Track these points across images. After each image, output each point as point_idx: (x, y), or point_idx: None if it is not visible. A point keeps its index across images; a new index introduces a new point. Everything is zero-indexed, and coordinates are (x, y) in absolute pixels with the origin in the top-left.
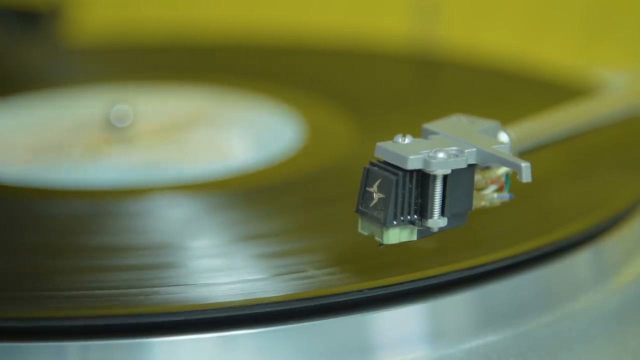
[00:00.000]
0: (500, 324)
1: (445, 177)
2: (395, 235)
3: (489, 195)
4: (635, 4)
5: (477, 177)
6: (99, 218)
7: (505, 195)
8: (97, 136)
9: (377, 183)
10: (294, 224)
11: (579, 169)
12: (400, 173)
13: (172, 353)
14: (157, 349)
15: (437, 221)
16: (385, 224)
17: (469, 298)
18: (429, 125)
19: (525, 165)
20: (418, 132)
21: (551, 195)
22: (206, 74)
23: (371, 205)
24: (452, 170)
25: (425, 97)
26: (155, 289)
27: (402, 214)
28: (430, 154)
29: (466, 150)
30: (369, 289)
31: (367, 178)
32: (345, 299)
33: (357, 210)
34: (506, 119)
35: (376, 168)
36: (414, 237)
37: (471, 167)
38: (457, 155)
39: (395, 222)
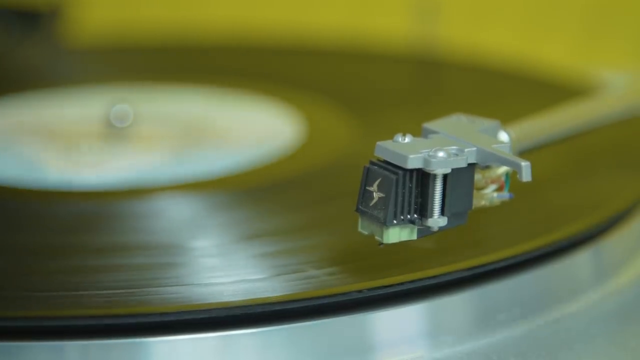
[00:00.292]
0: (500, 324)
1: (445, 177)
2: (395, 234)
3: (489, 194)
4: (635, 4)
5: (477, 176)
6: (98, 218)
7: (505, 195)
8: (97, 136)
9: (377, 182)
10: (293, 223)
11: (579, 169)
12: (400, 172)
13: (172, 353)
14: (157, 349)
15: (437, 220)
16: (385, 223)
17: (468, 298)
18: (429, 125)
19: (525, 164)
20: (418, 132)
21: (551, 195)
22: (206, 74)
23: (371, 204)
24: (452, 170)
25: (425, 97)
26: (154, 288)
27: (402, 213)
28: (430, 153)
29: (466, 150)
30: (368, 289)
31: (367, 177)
32: (345, 299)
33: (357, 210)
34: (506, 119)
35: (376, 167)
36: (414, 237)
37: (471, 167)
38: (457, 155)
39: (395, 221)
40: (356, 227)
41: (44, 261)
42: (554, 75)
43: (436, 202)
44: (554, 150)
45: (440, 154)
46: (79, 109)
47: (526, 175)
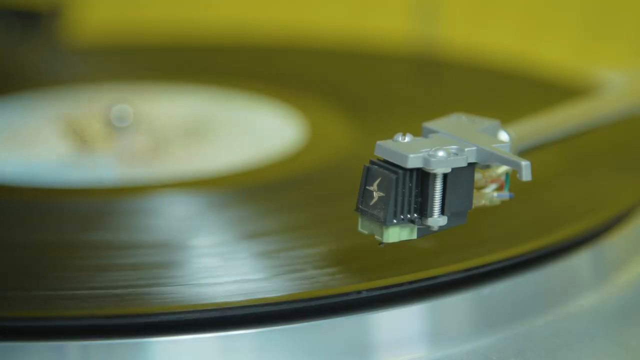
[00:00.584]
0: (500, 325)
1: (445, 176)
2: (395, 233)
3: (489, 194)
4: (635, 4)
5: (477, 175)
6: (98, 217)
7: (505, 194)
8: (97, 136)
9: (377, 182)
10: (293, 223)
11: (579, 169)
12: (400, 172)
13: (172, 353)
14: (157, 349)
15: (437, 220)
16: (385, 223)
17: (468, 299)
18: (429, 124)
19: (525, 163)
20: (418, 131)
21: (551, 196)
22: (206, 74)
23: (371, 203)
24: (452, 169)
25: (426, 97)
26: (154, 288)
27: (402, 213)
28: (430, 153)
29: (466, 149)
30: (367, 290)
31: (367, 176)
32: (344, 299)
33: (357, 209)
34: (506, 118)
35: (376, 167)
36: (414, 236)
37: (471, 166)
38: (457, 154)
39: (395, 221)
40: (356, 227)
41: (43, 261)
42: (554, 75)
43: (436, 201)
44: (554, 150)
45: (440, 153)
46: (78, 109)
47: (526, 175)
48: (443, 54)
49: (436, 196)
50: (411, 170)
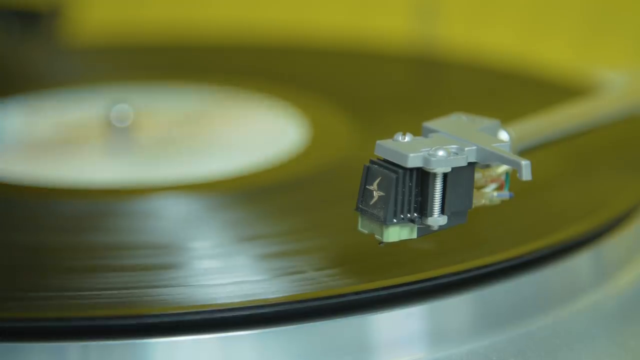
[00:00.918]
0: (500, 325)
1: (445, 175)
2: (395, 233)
3: (489, 193)
4: (635, 4)
5: (477, 175)
6: (98, 218)
7: (505, 194)
8: (97, 136)
9: (377, 181)
10: (292, 225)
11: (579, 169)
12: (400, 171)
13: (171, 354)
14: (157, 350)
15: (437, 219)
16: (385, 222)
17: (469, 299)
18: (429, 124)
19: (525, 163)
20: (418, 131)
21: (551, 197)
22: (206, 74)
23: (371, 203)
24: (452, 169)
25: (426, 97)
26: (154, 289)
27: (402, 212)
28: (431, 152)
29: (466, 149)
30: (367, 291)
31: (367, 176)
32: (344, 300)
33: (357, 209)
34: (506, 118)
35: (376, 166)
36: (414, 235)
37: (471, 165)
38: (457, 154)
39: (395, 220)
40: (355, 229)
41: (43, 261)
42: (554, 75)
43: (436, 201)
44: (554, 151)
45: (440, 152)
46: (79, 109)
47: (526, 174)
48: (443, 54)
49: (436, 195)
50: (411, 169)
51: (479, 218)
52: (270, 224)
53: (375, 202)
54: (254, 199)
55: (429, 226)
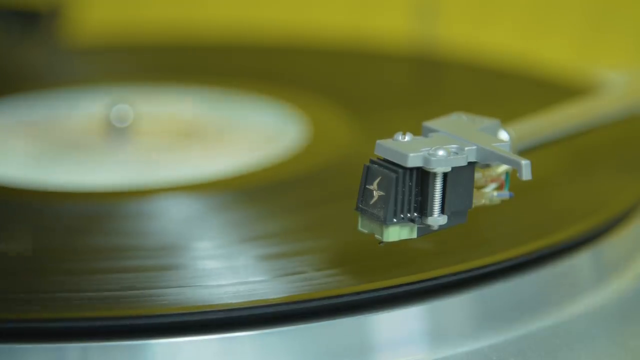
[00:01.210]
0: (500, 325)
1: (445, 175)
2: (395, 233)
3: (489, 193)
4: (635, 4)
5: (477, 175)
6: (99, 219)
7: (505, 194)
8: (97, 136)
9: (377, 181)
10: (293, 225)
11: (579, 169)
12: (400, 171)
13: (172, 355)
14: (158, 351)
15: (437, 219)
16: (385, 222)
17: (469, 300)
18: (429, 123)
19: (525, 162)
20: (418, 131)
21: (551, 197)
22: (206, 74)
23: (371, 203)
24: (452, 168)
25: (426, 96)
26: (154, 290)
27: (402, 212)
28: (431, 152)
29: (466, 148)
30: (368, 291)
31: (367, 176)
32: (344, 300)
33: (357, 208)
34: (506, 118)
35: (376, 166)
36: (414, 235)
37: (471, 165)
38: (457, 153)
39: (395, 220)
40: (356, 229)
41: (43, 263)
42: (554, 74)
43: (436, 200)
44: (554, 151)
45: (440, 152)
46: (79, 109)
47: (526, 174)
48: (443, 53)
49: (436, 195)
50: (411, 169)
51: (479, 218)
52: (271, 223)
53: (375, 201)
54: (254, 199)
55: (429, 226)
